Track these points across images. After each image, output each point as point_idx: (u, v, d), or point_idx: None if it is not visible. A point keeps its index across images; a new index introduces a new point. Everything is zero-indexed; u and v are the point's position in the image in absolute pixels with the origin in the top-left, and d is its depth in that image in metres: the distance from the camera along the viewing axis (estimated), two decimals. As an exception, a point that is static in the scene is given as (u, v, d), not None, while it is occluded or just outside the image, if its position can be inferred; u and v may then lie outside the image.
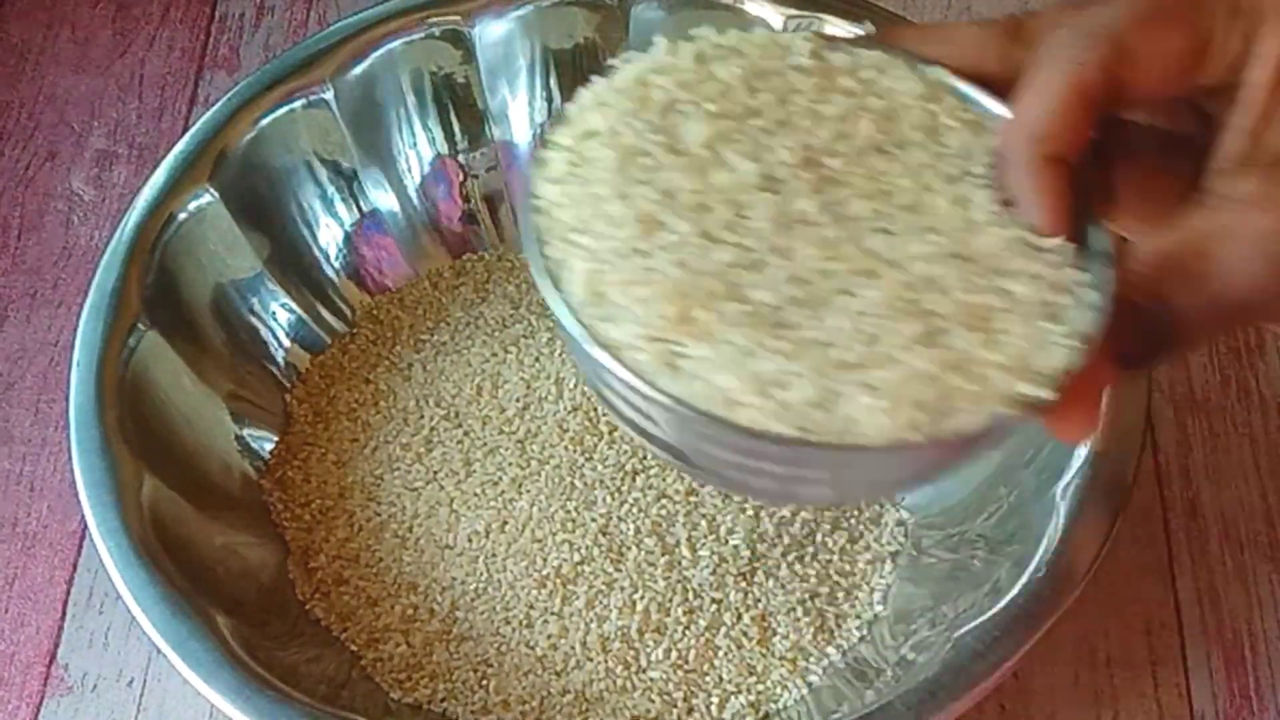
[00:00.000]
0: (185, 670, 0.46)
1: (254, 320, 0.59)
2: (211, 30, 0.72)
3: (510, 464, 0.54)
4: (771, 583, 0.52)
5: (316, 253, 0.61)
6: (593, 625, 0.51)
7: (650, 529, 0.52)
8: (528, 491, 0.53)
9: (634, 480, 0.53)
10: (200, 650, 0.47)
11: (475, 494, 0.54)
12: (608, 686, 0.51)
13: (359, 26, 0.60)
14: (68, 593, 0.57)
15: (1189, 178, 0.35)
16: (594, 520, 0.52)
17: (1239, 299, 0.33)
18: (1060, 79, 0.34)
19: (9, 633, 0.56)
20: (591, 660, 0.51)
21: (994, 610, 0.47)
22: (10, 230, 0.66)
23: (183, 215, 0.56)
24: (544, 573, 0.52)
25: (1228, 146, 0.34)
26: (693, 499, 0.53)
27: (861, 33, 0.39)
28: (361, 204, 0.61)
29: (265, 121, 0.58)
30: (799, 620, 0.52)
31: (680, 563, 0.52)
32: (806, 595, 0.52)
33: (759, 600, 0.52)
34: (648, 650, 0.51)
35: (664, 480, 0.53)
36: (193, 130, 0.57)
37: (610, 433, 0.55)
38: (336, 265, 0.61)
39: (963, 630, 0.47)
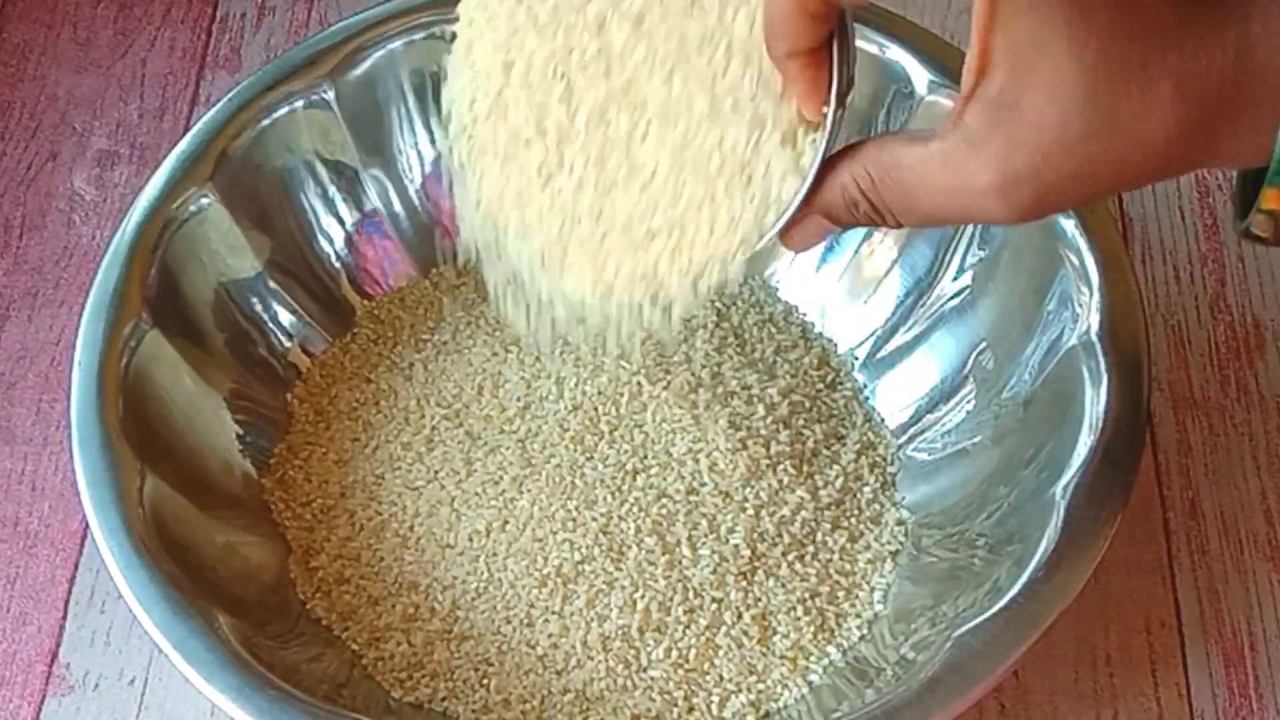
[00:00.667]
0: (186, 669, 0.46)
1: (255, 320, 0.59)
2: (213, 30, 0.72)
3: (511, 463, 0.54)
4: (772, 582, 0.52)
5: (318, 252, 0.61)
6: (593, 624, 0.51)
7: (651, 528, 0.52)
8: (528, 491, 0.54)
9: (634, 480, 0.53)
10: (201, 649, 0.47)
11: (476, 493, 0.54)
12: (608, 685, 0.51)
13: (360, 26, 0.60)
14: (69, 592, 0.57)
15: None
16: (594, 519, 0.52)
17: (935, 214, 0.41)
18: None
19: (11, 632, 0.56)
20: (592, 659, 0.51)
21: (994, 610, 0.47)
22: (12, 230, 0.66)
23: (184, 215, 0.56)
24: (544, 572, 0.52)
25: (963, 79, 0.39)
26: (693, 498, 0.53)
27: None
28: (363, 204, 0.61)
29: (266, 122, 0.58)
30: (799, 619, 0.52)
31: (681, 562, 0.52)
32: (807, 594, 0.52)
33: (759, 599, 0.52)
34: (648, 649, 0.51)
35: (664, 480, 0.53)
36: (194, 130, 0.57)
37: (611, 432, 0.55)
38: (338, 265, 0.61)
39: (963, 630, 0.47)
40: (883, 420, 0.58)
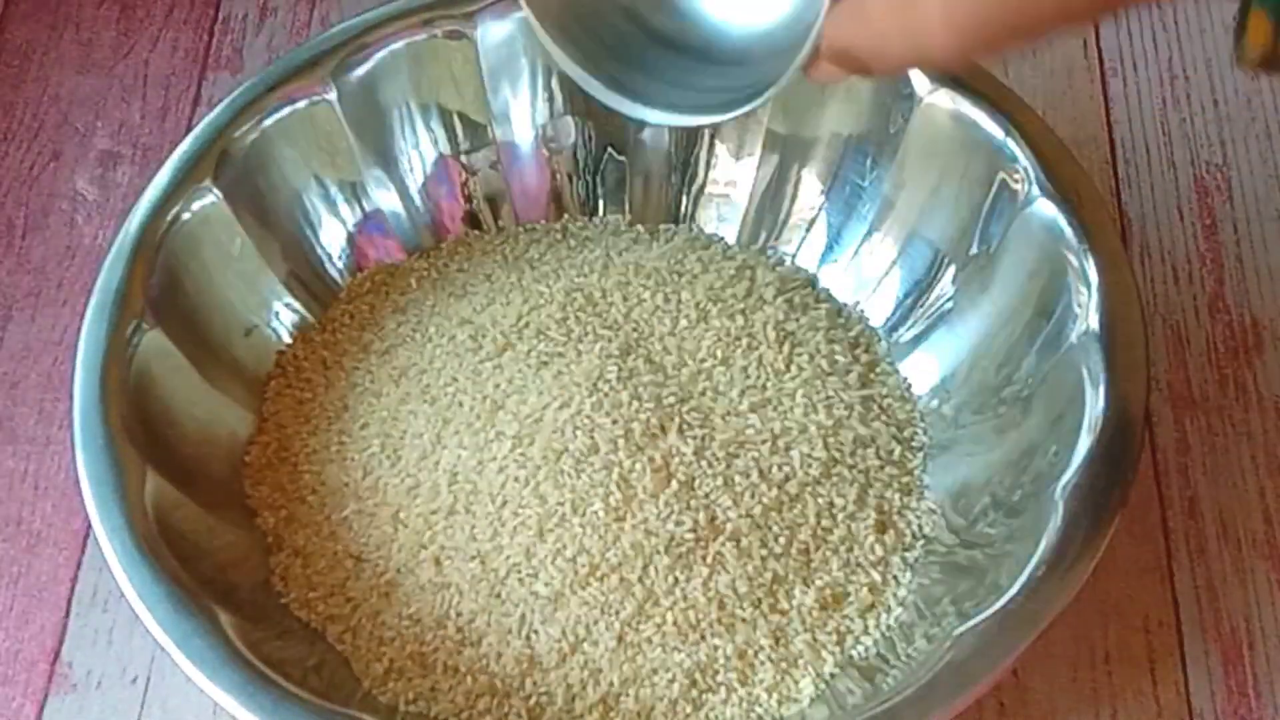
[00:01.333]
0: (189, 668, 0.47)
1: (257, 319, 0.59)
2: (215, 31, 0.73)
3: (511, 462, 0.54)
4: (783, 582, 0.52)
5: (320, 253, 0.61)
6: (595, 624, 0.51)
7: (656, 528, 0.52)
8: (527, 491, 0.53)
9: (636, 479, 0.53)
10: (204, 648, 0.47)
11: (469, 493, 0.54)
12: (612, 686, 0.51)
13: (362, 27, 0.60)
14: (72, 590, 0.57)
15: None
16: (596, 518, 0.52)
17: (885, 40, 0.41)
18: None
19: (13, 630, 0.57)
20: (595, 660, 0.51)
21: (994, 608, 0.48)
22: (15, 230, 0.66)
23: (186, 215, 0.56)
24: (546, 572, 0.52)
25: None
26: (702, 497, 0.53)
27: None
28: (364, 204, 0.62)
29: (269, 122, 0.58)
30: (809, 618, 0.52)
31: (691, 562, 0.52)
32: (819, 594, 0.52)
33: (770, 598, 0.52)
34: (654, 649, 0.51)
35: (669, 479, 0.53)
36: (196, 130, 0.58)
37: (611, 429, 0.55)
38: (340, 265, 0.61)
39: (963, 628, 0.48)
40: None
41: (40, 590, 0.57)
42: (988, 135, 0.57)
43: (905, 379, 0.59)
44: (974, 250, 0.58)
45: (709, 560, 0.52)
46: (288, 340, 0.59)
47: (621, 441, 0.53)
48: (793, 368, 0.57)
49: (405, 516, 0.54)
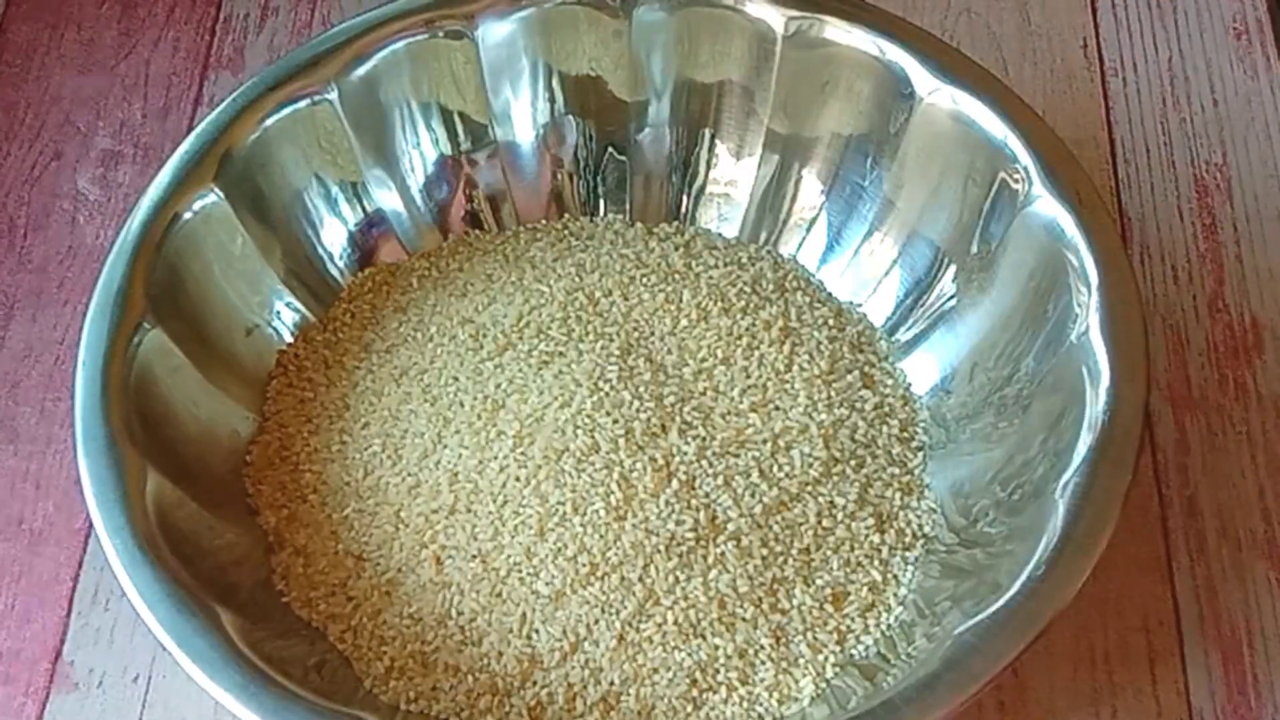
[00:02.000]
0: (190, 667, 0.47)
1: (258, 319, 0.59)
2: (216, 31, 0.73)
3: (512, 462, 0.54)
4: (783, 581, 0.52)
5: (321, 252, 0.61)
6: (596, 623, 0.51)
7: (658, 527, 0.52)
8: (528, 490, 0.53)
9: (637, 478, 0.53)
10: (205, 647, 0.47)
11: (470, 492, 0.54)
12: (613, 685, 0.51)
13: (363, 27, 0.60)
14: (73, 589, 0.58)
15: None
16: (597, 517, 0.53)
17: None
18: None
19: (15, 629, 0.57)
20: (596, 659, 0.51)
21: (994, 608, 0.48)
22: (16, 229, 0.67)
23: (187, 215, 0.56)
24: (547, 571, 0.52)
25: None
26: (703, 496, 0.53)
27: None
28: (365, 204, 0.62)
29: (270, 122, 0.58)
30: (810, 617, 0.52)
31: (692, 561, 0.52)
32: (819, 593, 0.53)
33: (770, 598, 0.52)
34: (654, 649, 0.51)
35: (670, 478, 0.54)
36: (197, 130, 0.58)
37: (612, 429, 0.55)
38: (341, 265, 0.61)
39: (963, 628, 0.48)
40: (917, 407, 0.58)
41: (42, 589, 0.58)
42: (988, 135, 0.57)
43: (906, 379, 0.59)
44: (974, 250, 0.58)
45: (710, 559, 0.52)
46: (289, 339, 0.60)
47: (622, 441, 0.53)
48: (794, 367, 0.57)
49: (406, 516, 0.54)
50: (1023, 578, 0.48)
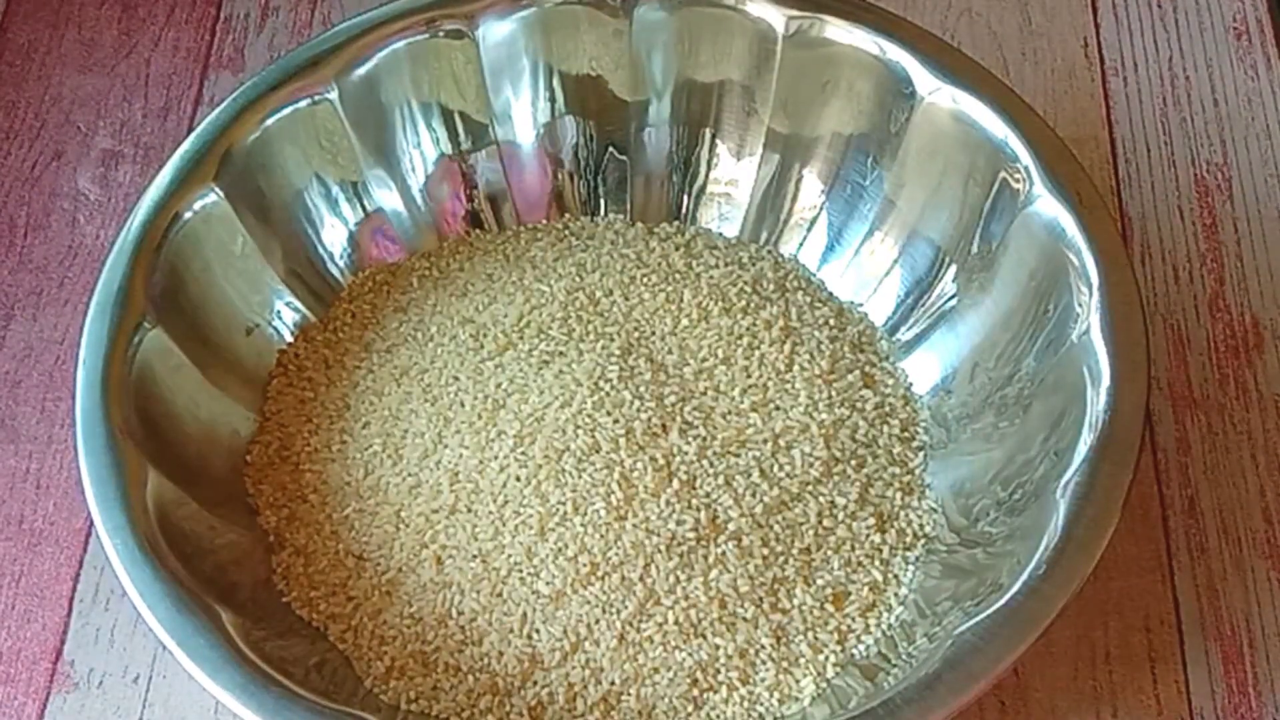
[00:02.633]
0: (190, 667, 0.47)
1: (259, 318, 0.59)
2: (216, 30, 0.73)
3: (512, 461, 0.54)
4: (784, 581, 0.52)
5: (321, 252, 0.61)
6: (597, 623, 0.51)
7: (658, 527, 0.52)
8: (529, 490, 0.53)
9: (637, 478, 0.53)
10: (205, 647, 0.47)
11: (471, 492, 0.54)
12: (613, 685, 0.51)
13: (363, 27, 0.60)
14: (74, 589, 0.58)
15: None
16: (598, 517, 0.53)
17: None
18: None
19: (15, 629, 0.57)
20: (596, 659, 0.51)
21: (995, 608, 0.48)
22: (17, 229, 0.67)
23: (188, 214, 0.56)
24: (547, 571, 0.52)
25: None
26: (704, 496, 0.53)
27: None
28: (366, 204, 0.62)
29: (270, 121, 0.58)
30: (813, 617, 0.52)
31: (692, 561, 0.52)
32: (820, 593, 0.53)
33: (771, 597, 0.52)
34: (655, 648, 0.51)
35: (670, 478, 0.54)
36: (198, 130, 0.58)
37: (612, 429, 0.55)
38: (341, 264, 0.61)
39: (963, 627, 0.48)
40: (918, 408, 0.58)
41: (42, 589, 0.58)
42: (989, 135, 0.57)
43: (907, 378, 0.59)
44: (975, 250, 0.58)
45: (710, 559, 0.52)
46: (289, 339, 0.60)
47: (623, 440, 0.53)
48: (794, 367, 0.57)
49: (407, 515, 0.54)
50: (1024, 578, 0.48)
